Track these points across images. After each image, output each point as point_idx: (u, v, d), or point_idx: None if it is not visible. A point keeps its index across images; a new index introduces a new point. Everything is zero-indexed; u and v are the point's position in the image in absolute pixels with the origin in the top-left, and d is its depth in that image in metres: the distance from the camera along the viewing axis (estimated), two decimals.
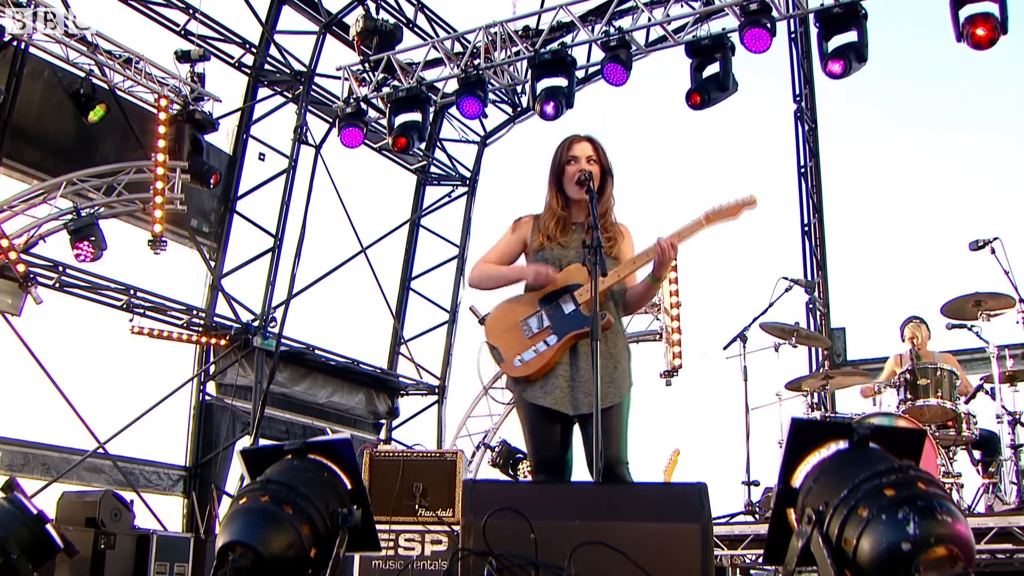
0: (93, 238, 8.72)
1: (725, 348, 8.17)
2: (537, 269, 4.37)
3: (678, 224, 4.46)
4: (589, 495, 3.63)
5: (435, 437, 14.89)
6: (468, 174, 15.63)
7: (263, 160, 13.04)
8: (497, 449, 9.89)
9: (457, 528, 7.81)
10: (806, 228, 13.18)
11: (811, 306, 12.71)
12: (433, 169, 15.37)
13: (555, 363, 4.28)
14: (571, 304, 4.35)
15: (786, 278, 8.16)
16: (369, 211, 14.07)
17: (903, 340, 8.42)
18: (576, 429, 4.36)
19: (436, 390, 15.18)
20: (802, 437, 2.66)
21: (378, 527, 7.80)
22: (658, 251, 4.31)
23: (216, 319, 12.42)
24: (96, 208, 8.99)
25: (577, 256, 4.41)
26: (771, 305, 8.11)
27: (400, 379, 15.00)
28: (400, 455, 8.08)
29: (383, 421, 14.91)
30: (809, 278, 12.16)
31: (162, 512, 11.56)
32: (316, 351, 13.54)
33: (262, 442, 12.33)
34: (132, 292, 11.44)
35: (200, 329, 12.21)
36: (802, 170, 13.38)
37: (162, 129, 9.20)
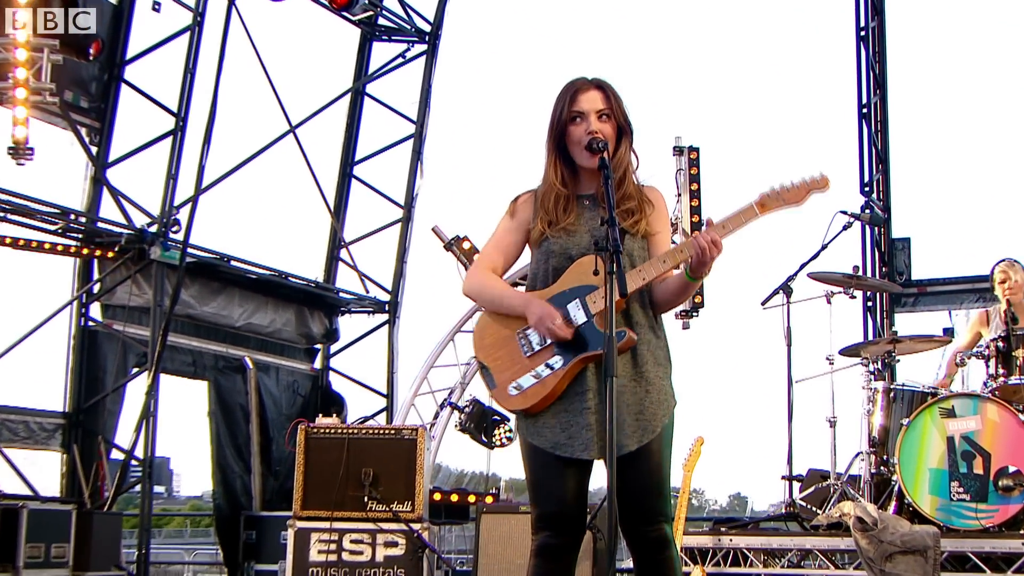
0: None
1: (764, 304, 8.06)
2: (542, 314, 4.16)
3: (723, 212, 4.26)
4: None
5: (385, 367, 14.81)
6: (428, 27, 15.16)
7: (158, 11, 12.50)
8: (468, 409, 9.80)
9: (418, 527, 7.79)
10: (864, 109, 12.98)
11: (867, 210, 12.55)
12: (382, 21, 14.86)
13: (561, 392, 4.14)
14: (582, 313, 4.17)
15: (845, 212, 7.98)
16: (300, 78, 13.72)
17: (993, 286, 8.38)
18: (599, 466, 4.21)
19: (386, 307, 14.99)
20: None
21: (317, 525, 7.82)
22: (695, 250, 4.11)
23: (101, 223, 12.01)
24: None
25: (590, 244, 4.18)
26: (824, 247, 7.94)
27: (340, 293, 14.80)
28: (345, 431, 8.01)
29: (319, 346, 14.80)
30: (871, 202, 12.00)
31: (35, 474, 11.39)
32: (232, 261, 13.22)
33: (163, 378, 12.17)
34: None
35: (80, 237, 11.85)
36: (861, 32, 13.09)
37: None
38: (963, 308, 12.47)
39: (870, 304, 12.64)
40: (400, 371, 14.68)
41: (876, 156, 12.87)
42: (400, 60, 15.18)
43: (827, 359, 8.12)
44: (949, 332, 8.46)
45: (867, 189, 12.63)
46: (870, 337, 12.44)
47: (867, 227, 12.53)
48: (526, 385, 4.15)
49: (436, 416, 10.11)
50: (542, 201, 4.33)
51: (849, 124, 12.78)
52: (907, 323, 12.83)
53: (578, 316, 4.16)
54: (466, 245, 10.65)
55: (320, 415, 8.45)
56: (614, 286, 3.87)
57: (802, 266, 7.96)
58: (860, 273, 8.12)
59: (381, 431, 8.14)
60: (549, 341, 4.16)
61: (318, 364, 14.85)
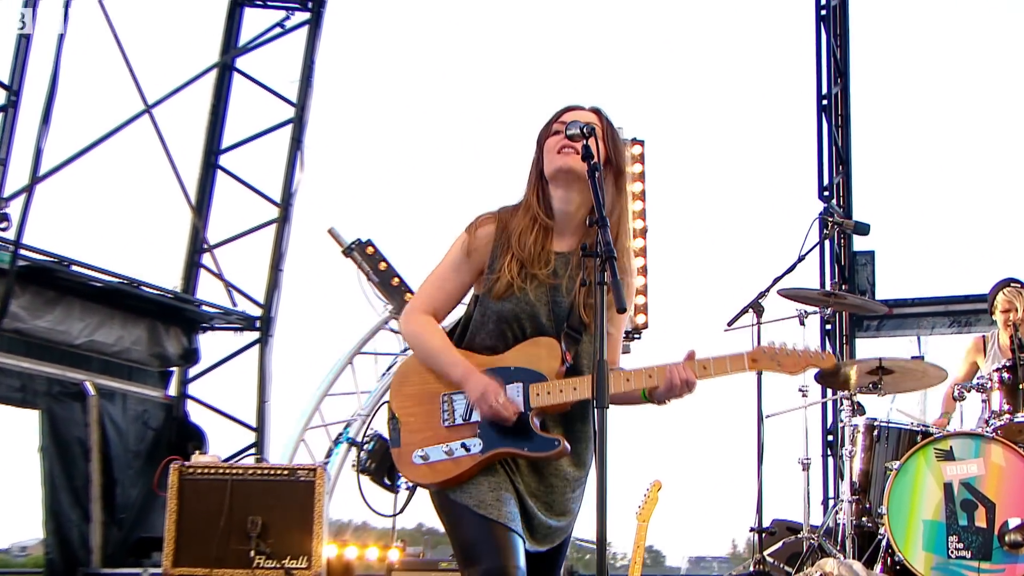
0: None
1: (731, 324, 8.04)
2: (485, 390, 4.14)
3: (708, 353, 4.27)
4: None
5: (255, 395, 14.54)
6: None
7: None
8: (369, 446, 9.64)
9: None
10: (824, 101, 13.04)
11: (826, 218, 12.60)
12: None
13: (472, 476, 4.17)
14: (520, 402, 4.17)
15: (824, 215, 7.98)
16: (159, 49, 13.47)
17: (992, 312, 8.44)
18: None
19: (257, 323, 14.74)
20: None
21: None
22: (666, 385, 4.13)
23: None
24: None
25: (550, 317, 4.25)
26: (802, 259, 7.94)
27: (202, 306, 14.52)
28: (228, 472, 7.88)
29: (174, 369, 14.49)
30: (831, 208, 12.05)
31: None
32: (73, 266, 12.86)
33: None
34: None
35: None
36: (822, 11, 13.19)
37: None
38: (934, 334, 12.63)
39: (829, 327, 12.69)
40: (273, 400, 14.44)
41: (837, 154, 12.98)
42: (278, 30, 14.97)
43: (800, 390, 8.11)
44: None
45: (827, 194, 12.71)
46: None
47: (828, 241, 12.61)
48: (434, 458, 4.19)
49: (330, 453, 9.93)
50: (519, 236, 4.28)
51: (808, 118, 12.88)
52: (869, 351, 12.91)
53: (513, 409, 4.16)
54: (370, 251, 10.49)
55: (197, 452, 8.23)
56: (605, 299, 3.84)
57: (776, 280, 7.93)
58: (838, 290, 8.10)
59: (272, 471, 8.00)
60: (475, 418, 4.18)
61: (173, 391, 14.49)
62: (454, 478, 4.13)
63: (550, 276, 4.23)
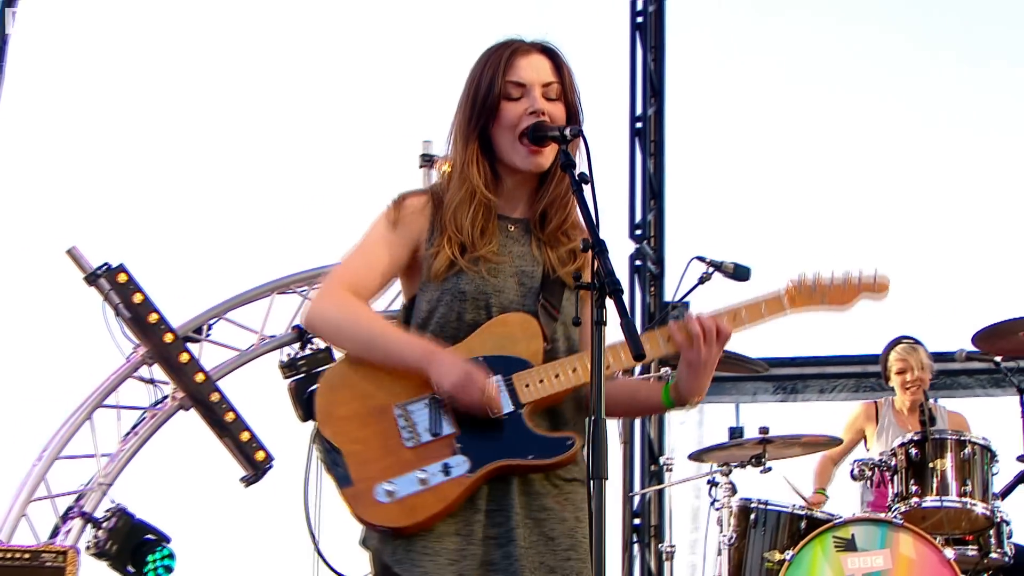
0: None
1: None
2: (463, 375, 3.69)
3: (738, 299, 4.00)
4: None
5: None
6: None
7: None
8: (108, 524, 9.17)
9: None
10: (637, 123, 13.05)
11: (637, 263, 12.57)
12: None
13: (457, 508, 3.73)
14: (506, 399, 3.75)
15: (702, 259, 7.88)
16: None
17: (887, 378, 8.56)
18: None
19: None
20: None
21: None
22: (696, 339, 3.79)
23: None
24: None
25: (520, 290, 3.91)
26: (678, 306, 7.84)
27: None
28: None
29: None
30: (642, 250, 12.03)
31: None
32: None
33: None
34: None
35: None
36: (638, 18, 13.27)
37: None
38: (756, 402, 12.70)
39: None
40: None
41: (649, 186, 12.88)
42: None
43: (665, 464, 8.00)
44: (737, 433, 8.47)
45: (639, 232, 12.63)
46: (636, 434, 12.45)
47: (636, 284, 12.58)
48: (405, 492, 3.68)
49: (56, 532, 9.44)
50: (453, 213, 3.92)
51: (619, 138, 12.88)
52: (678, 419, 12.83)
53: (501, 403, 3.76)
54: (121, 278, 9.91)
55: None
56: (602, 342, 3.50)
57: (647, 329, 7.80)
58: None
59: (9, 555, 7.53)
60: (447, 429, 3.74)
61: None
62: (439, 513, 3.66)
63: (501, 249, 3.91)
